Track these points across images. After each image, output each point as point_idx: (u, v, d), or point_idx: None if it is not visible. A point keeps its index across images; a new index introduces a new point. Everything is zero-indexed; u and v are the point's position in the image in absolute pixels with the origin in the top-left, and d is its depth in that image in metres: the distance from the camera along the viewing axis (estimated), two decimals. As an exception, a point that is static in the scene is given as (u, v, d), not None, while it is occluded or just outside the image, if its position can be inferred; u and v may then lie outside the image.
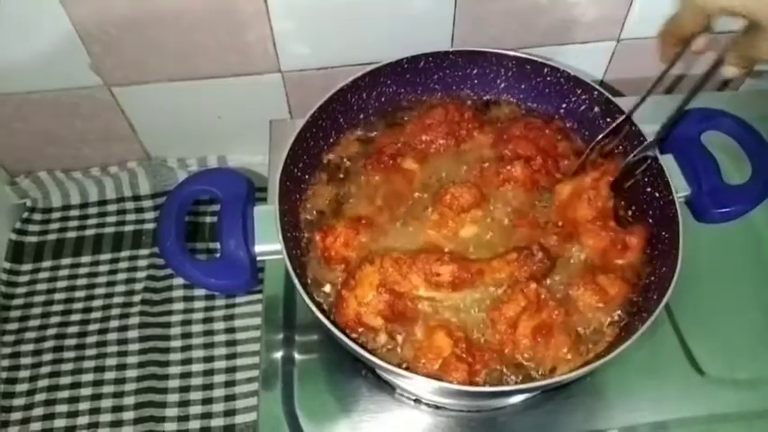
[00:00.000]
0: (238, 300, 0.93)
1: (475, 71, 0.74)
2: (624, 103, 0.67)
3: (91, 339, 0.89)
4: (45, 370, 0.87)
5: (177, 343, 0.89)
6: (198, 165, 0.99)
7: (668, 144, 0.67)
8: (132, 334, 0.89)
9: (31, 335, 0.89)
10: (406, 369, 0.56)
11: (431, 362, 0.56)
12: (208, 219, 0.98)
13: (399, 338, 0.58)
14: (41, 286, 0.93)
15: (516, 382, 0.56)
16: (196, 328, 0.90)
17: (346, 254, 0.62)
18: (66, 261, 0.95)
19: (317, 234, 0.63)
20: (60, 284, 0.93)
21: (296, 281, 0.56)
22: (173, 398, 0.85)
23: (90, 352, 0.88)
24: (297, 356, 0.68)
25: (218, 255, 0.60)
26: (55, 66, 0.80)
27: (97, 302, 0.92)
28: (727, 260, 0.77)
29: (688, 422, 0.66)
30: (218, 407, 0.85)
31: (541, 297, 0.58)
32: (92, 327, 0.90)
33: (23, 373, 0.87)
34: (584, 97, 0.71)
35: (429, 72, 0.74)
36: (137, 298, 0.92)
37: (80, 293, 0.93)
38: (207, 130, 0.94)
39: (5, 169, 0.97)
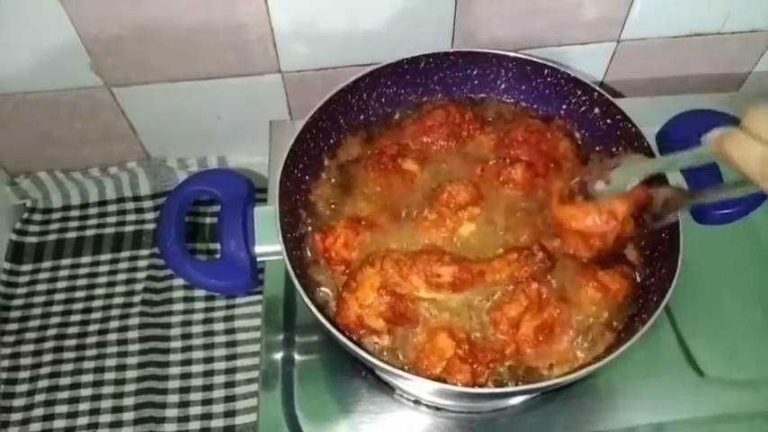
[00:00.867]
0: (238, 300, 0.93)
1: (475, 72, 0.74)
2: (624, 104, 0.67)
3: (91, 340, 0.89)
4: (45, 370, 0.87)
5: (177, 344, 0.89)
6: (198, 165, 0.99)
7: (668, 145, 0.67)
8: (132, 334, 0.89)
9: (30, 335, 0.89)
10: (408, 371, 0.56)
11: (434, 364, 0.56)
12: (208, 219, 0.98)
13: (401, 340, 0.58)
14: (41, 287, 0.93)
15: (517, 384, 0.56)
16: (196, 328, 0.90)
17: (346, 255, 0.62)
18: (66, 261, 0.95)
19: (316, 235, 0.63)
20: (60, 285, 0.93)
21: (296, 282, 0.56)
22: (173, 398, 0.85)
23: (90, 352, 0.88)
24: (297, 357, 0.68)
25: (218, 255, 0.60)
26: (55, 66, 0.80)
27: (97, 303, 0.92)
28: (727, 262, 0.77)
29: (688, 423, 0.66)
30: (218, 408, 0.85)
31: (543, 296, 0.58)
32: (92, 327, 0.90)
33: (23, 374, 0.87)
34: (584, 98, 0.71)
35: (429, 73, 0.73)
36: (137, 298, 0.92)
37: (80, 294, 0.93)
38: (207, 130, 0.94)
39: (5, 170, 0.97)
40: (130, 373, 0.87)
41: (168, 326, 0.90)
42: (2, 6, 0.71)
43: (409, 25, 0.79)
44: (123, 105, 0.88)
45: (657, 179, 0.56)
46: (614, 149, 0.70)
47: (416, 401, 0.66)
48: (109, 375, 0.87)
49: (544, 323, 0.57)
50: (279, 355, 0.68)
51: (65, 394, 0.85)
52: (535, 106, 0.75)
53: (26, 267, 0.95)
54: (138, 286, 0.93)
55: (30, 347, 0.88)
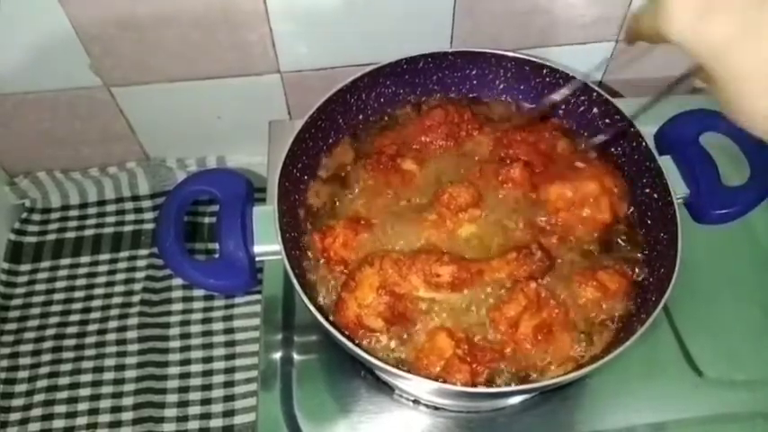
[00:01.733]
0: (237, 300, 0.93)
1: (474, 72, 0.74)
2: (623, 104, 0.67)
3: (90, 340, 0.89)
4: (44, 370, 0.87)
5: (176, 343, 0.89)
6: (197, 165, 0.99)
7: (666, 145, 0.67)
8: (131, 334, 0.89)
9: (29, 335, 0.89)
10: (408, 371, 0.56)
11: (433, 363, 0.56)
12: (207, 219, 0.98)
13: (400, 340, 0.58)
14: (40, 287, 0.93)
15: (517, 383, 0.56)
16: (195, 328, 0.90)
17: (345, 254, 0.62)
18: (65, 261, 0.95)
19: (315, 235, 0.63)
20: (59, 285, 0.93)
21: (295, 282, 0.56)
22: (172, 398, 0.85)
23: (89, 352, 0.88)
24: (296, 357, 0.68)
25: (217, 255, 0.60)
26: (54, 66, 0.80)
27: (96, 303, 0.92)
28: (726, 261, 0.77)
29: (686, 423, 0.66)
30: (216, 407, 0.85)
31: (542, 296, 0.58)
32: (91, 327, 0.90)
33: (22, 374, 0.87)
34: (582, 98, 0.71)
35: (428, 73, 0.73)
36: (136, 298, 0.92)
37: (79, 294, 0.93)
38: (206, 130, 0.94)
39: (4, 169, 0.97)
40: (129, 373, 0.87)
41: (167, 325, 0.90)
42: (1, 6, 0.71)
43: (408, 25, 0.79)
44: (122, 105, 0.88)
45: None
46: (613, 149, 0.70)
47: (416, 401, 0.66)
48: (108, 375, 0.87)
49: (543, 323, 0.58)
50: (278, 355, 0.68)
51: (64, 394, 0.85)
52: (534, 106, 0.75)
53: (25, 267, 0.95)
54: (137, 286, 0.93)
55: (29, 347, 0.89)
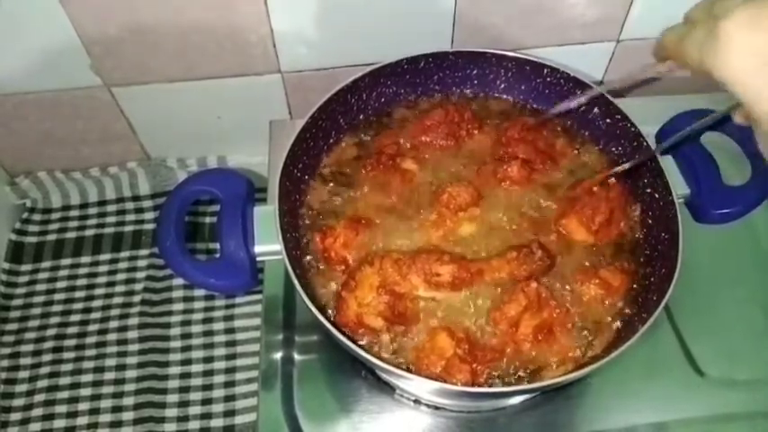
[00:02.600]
0: (238, 300, 0.93)
1: (475, 72, 0.74)
2: (624, 103, 0.67)
3: (90, 340, 0.89)
4: (45, 370, 0.87)
5: (177, 343, 0.89)
6: (198, 165, 0.99)
7: (668, 145, 0.67)
8: (132, 334, 0.89)
9: (30, 335, 0.89)
10: (408, 370, 0.56)
11: (434, 363, 0.56)
12: (208, 219, 0.98)
13: (401, 340, 0.58)
14: (41, 287, 0.93)
15: (517, 383, 0.56)
16: (196, 328, 0.90)
17: (346, 254, 0.62)
18: (65, 261, 0.95)
19: (316, 235, 0.63)
20: (60, 285, 0.93)
21: (295, 281, 0.56)
22: (172, 398, 0.85)
23: (90, 352, 0.88)
24: (296, 357, 0.68)
25: (217, 255, 0.60)
26: (55, 66, 0.80)
27: (97, 303, 0.92)
28: (727, 261, 0.77)
29: (688, 423, 0.66)
30: (217, 407, 0.85)
31: (542, 296, 0.58)
32: (91, 327, 0.90)
33: (23, 374, 0.87)
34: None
35: (429, 73, 0.73)
36: (136, 298, 0.92)
37: (80, 294, 0.93)
38: (207, 130, 0.94)
39: (5, 169, 0.97)
40: (130, 373, 0.87)
41: (168, 325, 0.90)
42: (2, 7, 0.71)
43: (409, 25, 0.79)
44: (123, 105, 0.88)
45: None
46: (614, 149, 0.70)
47: (416, 401, 0.66)
48: (108, 375, 0.87)
49: (543, 322, 0.58)
50: (278, 355, 0.68)
51: (64, 394, 0.85)
52: (535, 105, 0.75)
53: (26, 267, 0.95)
54: (138, 286, 0.93)
55: (29, 347, 0.89)
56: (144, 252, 0.96)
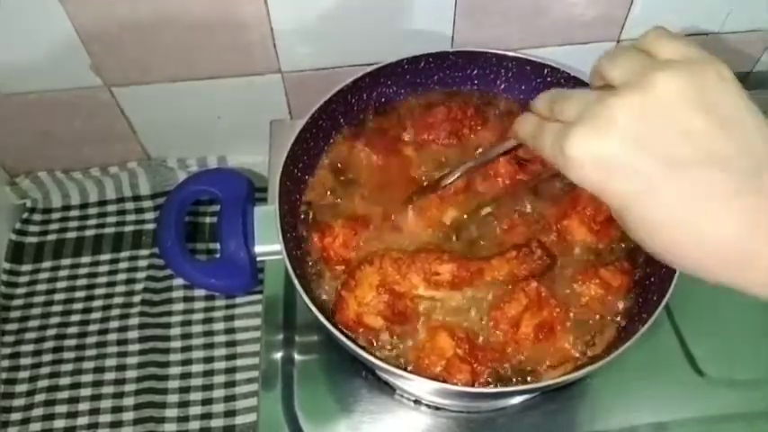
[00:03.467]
0: (238, 300, 0.93)
1: (475, 72, 0.74)
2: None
3: (91, 340, 0.89)
4: (45, 370, 0.87)
5: (177, 343, 0.89)
6: (198, 165, 0.99)
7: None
8: (132, 334, 0.89)
9: (30, 335, 0.89)
10: (408, 370, 0.56)
11: (434, 363, 0.56)
12: (208, 219, 0.98)
13: (401, 339, 0.58)
14: (41, 287, 0.93)
15: (517, 383, 0.56)
16: (196, 328, 0.90)
17: (345, 254, 0.62)
18: (66, 261, 0.95)
19: (315, 234, 0.63)
20: (60, 285, 0.93)
21: (296, 281, 0.56)
22: (172, 398, 0.85)
23: (90, 352, 0.88)
24: (297, 357, 0.68)
25: (218, 255, 0.60)
26: (55, 66, 0.80)
27: (97, 303, 0.92)
28: (727, 261, 0.77)
29: (688, 423, 0.66)
30: (218, 407, 0.85)
31: (542, 295, 0.58)
32: (92, 327, 0.90)
33: (23, 374, 0.87)
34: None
35: (429, 72, 0.73)
36: (137, 298, 0.92)
37: (80, 294, 0.93)
38: (207, 130, 0.94)
39: (5, 169, 0.97)
40: (130, 373, 0.87)
41: (168, 326, 0.90)
42: (2, 6, 0.71)
43: (409, 25, 0.79)
44: (123, 105, 0.88)
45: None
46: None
47: (417, 401, 0.66)
48: (109, 375, 0.87)
49: (544, 322, 0.57)
50: (279, 355, 0.68)
51: (65, 394, 0.85)
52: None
53: (26, 267, 0.95)
54: (138, 286, 0.93)
55: (29, 347, 0.89)
56: (144, 252, 0.96)
